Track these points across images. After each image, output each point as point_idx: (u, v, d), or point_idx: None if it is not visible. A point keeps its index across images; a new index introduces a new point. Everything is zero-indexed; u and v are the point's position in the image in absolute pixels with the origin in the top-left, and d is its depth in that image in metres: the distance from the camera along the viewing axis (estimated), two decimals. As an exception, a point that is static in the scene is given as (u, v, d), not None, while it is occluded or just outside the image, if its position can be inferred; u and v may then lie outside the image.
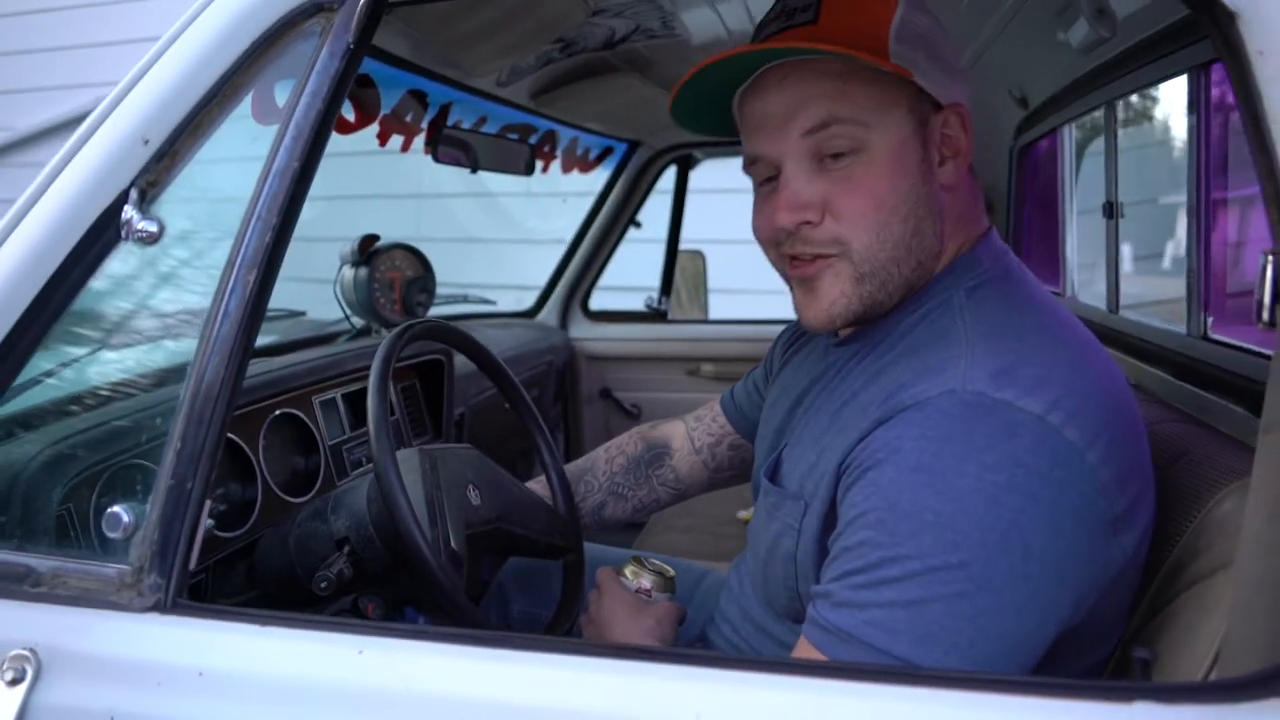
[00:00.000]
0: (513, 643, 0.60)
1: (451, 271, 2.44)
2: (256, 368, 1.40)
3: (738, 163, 0.87)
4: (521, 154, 1.80)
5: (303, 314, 1.78)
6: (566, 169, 2.13)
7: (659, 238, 2.61)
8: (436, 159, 1.53)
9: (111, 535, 0.68)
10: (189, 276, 0.74)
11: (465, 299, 2.43)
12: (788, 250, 0.81)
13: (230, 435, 1.22)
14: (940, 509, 0.66)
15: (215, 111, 0.73)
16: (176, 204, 0.72)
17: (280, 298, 1.83)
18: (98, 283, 0.74)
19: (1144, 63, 1.22)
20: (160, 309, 0.77)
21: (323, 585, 0.96)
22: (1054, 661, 0.69)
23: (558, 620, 1.16)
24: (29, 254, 0.71)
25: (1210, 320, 1.12)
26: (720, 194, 3.06)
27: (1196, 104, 1.11)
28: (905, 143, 0.77)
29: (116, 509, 0.68)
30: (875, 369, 0.80)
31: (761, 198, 0.83)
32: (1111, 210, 1.45)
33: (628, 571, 1.04)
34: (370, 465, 1.07)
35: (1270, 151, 0.51)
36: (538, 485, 1.28)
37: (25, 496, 0.78)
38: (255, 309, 0.68)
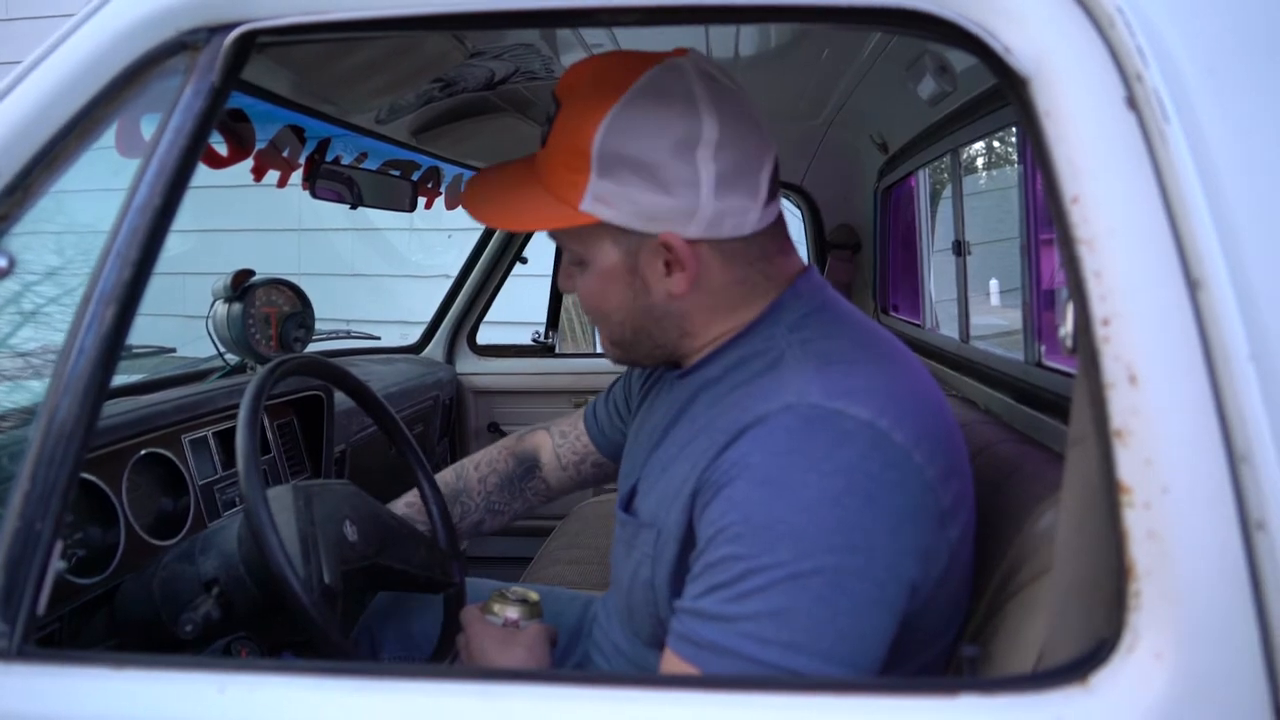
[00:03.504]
0: (379, 673, 0.60)
1: (335, 307, 2.41)
2: (122, 405, 1.35)
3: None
4: (404, 190, 1.80)
5: (172, 350, 1.73)
6: (450, 206, 2.14)
7: (545, 272, 2.64)
8: (315, 195, 1.52)
9: (-49, 581, 0.65)
10: (43, 312, 0.72)
11: (349, 334, 2.39)
12: None
13: (90, 476, 1.17)
14: (791, 519, 0.71)
15: (73, 145, 0.71)
16: (30, 238, 0.71)
17: (151, 334, 1.78)
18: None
19: (982, 114, 1.34)
20: (11, 345, 0.75)
21: (188, 628, 0.93)
22: (892, 659, 0.75)
23: (437, 658, 1.15)
24: None
25: (1043, 348, 1.22)
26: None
27: (1023, 153, 1.22)
28: (613, 268, 0.86)
29: (-42, 554, 0.65)
30: (716, 399, 0.86)
31: None
32: (959, 249, 1.57)
33: (493, 607, 1.05)
34: (243, 504, 1.05)
35: (1059, 200, 0.58)
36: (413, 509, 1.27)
37: None
38: (112, 345, 0.67)
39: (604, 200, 0.81)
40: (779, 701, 0.57)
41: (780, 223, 0.90)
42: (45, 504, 0.65)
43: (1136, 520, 0.49)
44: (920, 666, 0.81)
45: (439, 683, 0.60)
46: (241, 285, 1.54)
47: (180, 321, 1.74)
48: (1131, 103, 0.57)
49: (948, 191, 1.91)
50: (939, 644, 0.82)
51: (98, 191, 0.71)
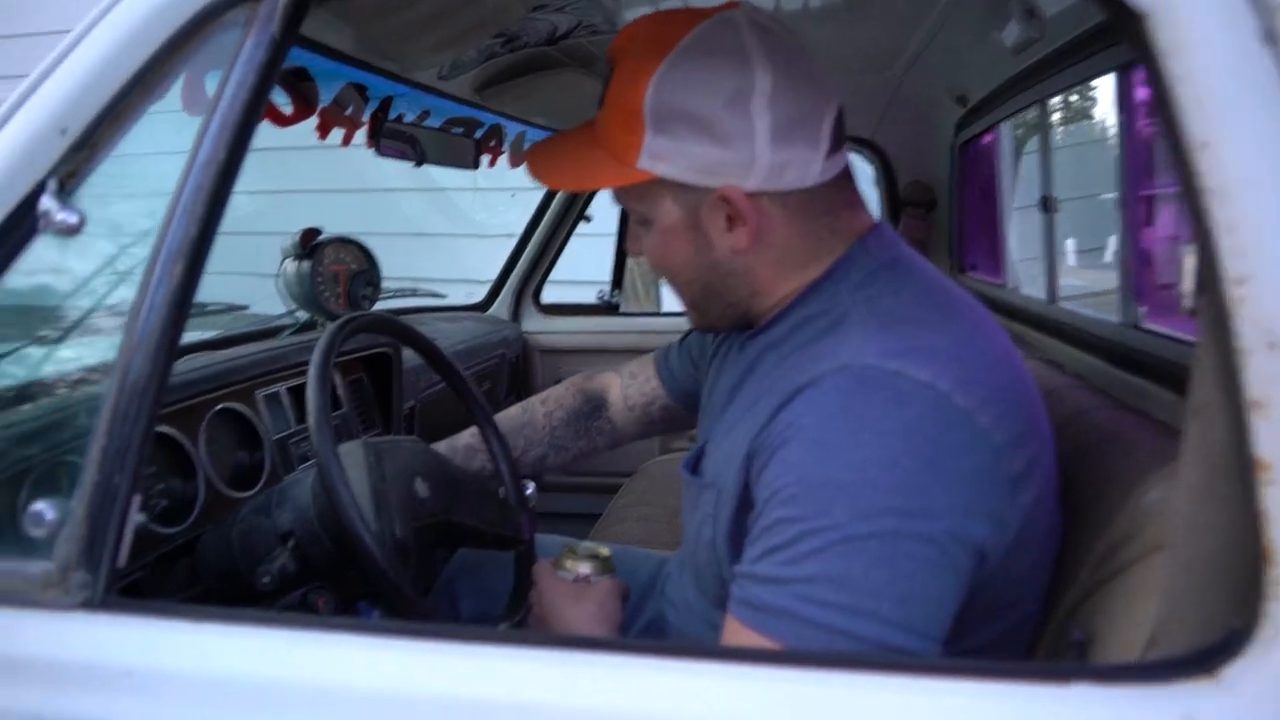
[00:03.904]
0: (454, 635, 0.59)
1: (401, 266, 2.42)
2: (197, 362, 1.37)
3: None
4: (467, 148, 1.78)
5: (245, 308, 1.75)
6: (514, 164, 2.11)
7: (609, 231, 2.61)
8: (379, 152, 1.51)
9: (35, 533, 0.66)
10: (114, 269, 0.72)
11: (414, 293, 2.40)
12: None
13: (169, 430, 1.20)
14: (846, 479, 0.69)
15: (136, 101, 0.71)
16: (99, 195, 0.71)
17: (224, 292, 1.81)
18: (17, 277, 0.72)
19: (1073, 62, 1.25)
20: (85, 303, 0.75)
21: (265, 580, 0.95)
22: (965, 623, 0.72)
23: (509, 614, 1.15)
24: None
25: (1143, 310, 1.15)
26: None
27: (1124, 102, 1.14)
28: (675, 226, 0.84)
29: (39, 506, 0.66)
30: (779, 361, 0.84)
31: None
32: (1047, 205, 1.49)
33: (565, 562, 1.05)
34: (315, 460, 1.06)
35: (1184, 147, 0.53)
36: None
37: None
38: (181, 302, 0.67)
39: (660, 157, 0.80)
40: (873, 681, 0.54)
41: (847, 175, 0.86)
42: (122, 459, 0.65)
43: (1277, 500, 0.45)
44: (995, 635, 0.78)
45: (512, 648, 0.58)
46: (310, 243, 1.55)
47: (253, 280, 1.76)
48: (1270, 37, 0.51)
49: (1030, 146, 1.81)
50: (1016, 613, 0.79)
51: (168, 154, 0.71)
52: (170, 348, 0.67)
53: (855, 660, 0.57)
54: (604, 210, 2.59)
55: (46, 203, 0.70)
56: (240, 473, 1.34)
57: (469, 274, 2.93)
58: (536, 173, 0.90)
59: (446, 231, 4.28)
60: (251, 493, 1.30)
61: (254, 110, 0.69)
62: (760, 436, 0.76)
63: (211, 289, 1.81)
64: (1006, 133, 1.85)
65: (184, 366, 1.33)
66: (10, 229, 0.70)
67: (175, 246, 0.67)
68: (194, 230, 0.67)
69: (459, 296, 2.59)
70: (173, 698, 0.60)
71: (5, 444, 0.84)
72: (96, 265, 0.73)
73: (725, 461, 0.83)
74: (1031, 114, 1.61)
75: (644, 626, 1.10)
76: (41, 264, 0.73)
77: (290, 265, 1.56)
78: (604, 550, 1.07)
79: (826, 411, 0.72)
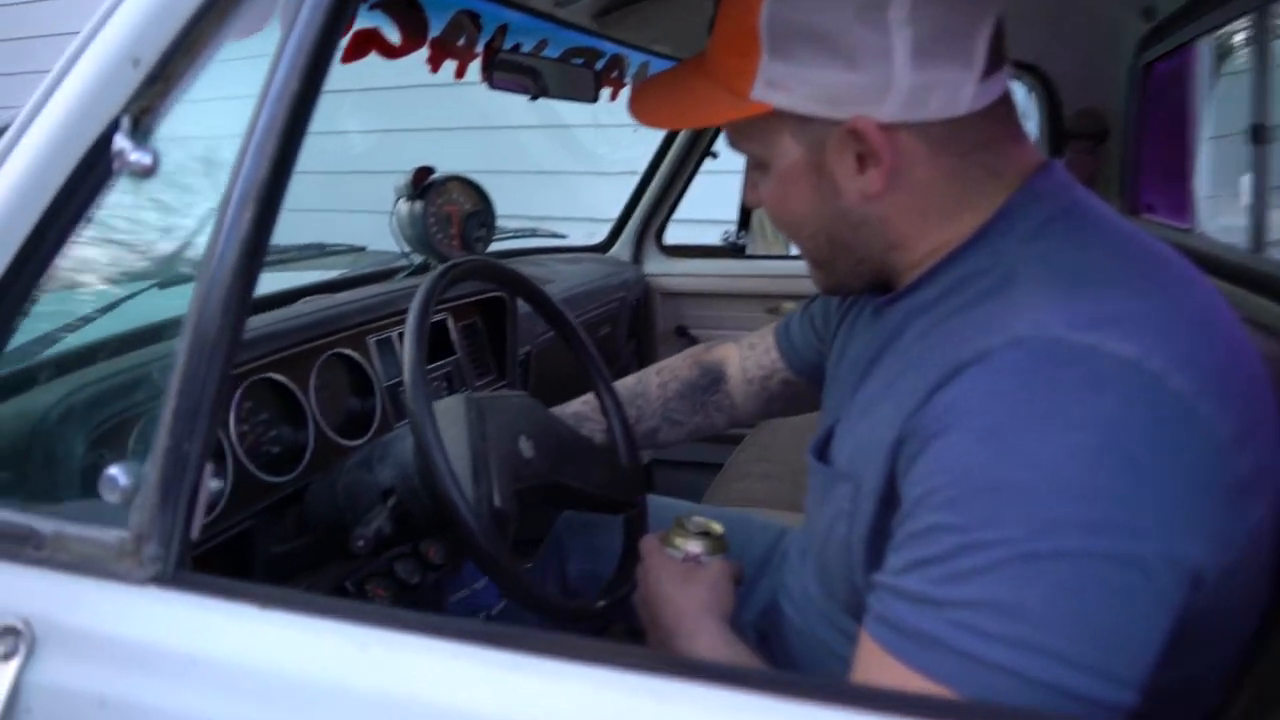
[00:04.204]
0: (539, 648, 0.52)
1: (520, 205, 2.36)
2: (309, 305, 1.35)
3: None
4: (586, 80, 1.67)
5: (363, 249, 1.73)
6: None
7: (736, 168, 2.46)
8: (492, 85, 1.43)
9: (109, 498, 0.62)
10: (191, 213, 0.67)
11: (534, 233, 2.35)
12: None
13: (280, 377, 1.18)
14: (1022, 481, 0.55)
15: (210, 28, 0.64)
16: (174, 132, 0.65)
17: (343, 232, 1.79)
18: (95, 223, 0.68)
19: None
20: (164, 250, 0.70)
21: (359, 543, 0.90)
22: (1175, 655, 0.57)
23: (617, 580, 1.09)
24: (15, 192, 0.65)
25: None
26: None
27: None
28: (795, 168, 0.72)
29: (114, 470, 0.62)
30: (928, 329, 0.70)
31: None
32: (1260, 135, 1.25)
33: (674, 539, 0.96)
34: (434, 404, 1.01)
35: None
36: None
37: (28, 452, 0.74)
38: (253, 250, 0.60)
39: (778, 84, 0.67)
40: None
41: (1007, 102, 0.70)
42: (192, 422, 0.60)
43: None
44: (1183, 677, 0.63)
45: (607, 670, 0.50)
46: (422, 183, 1.49)
47: (374, 218, 1.73)
48: None
49: (1232, 65, 1.55)
50: (1219, 651, 0.64)
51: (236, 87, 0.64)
52: (243, 301, 0.61)
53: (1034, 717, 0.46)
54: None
55: (120, 141, 0.64)
56: (351, 420, 1.31)
57: (591, 213, 2.85)
58: (637, 111, 0.78)
59: (568, 169, 4.20)
60: (361, 441, 1.27)
61: (331, 32, 0.61)
62: (911, 421, 0.63)
63: (334, 229, 1.80)
64: (1204, 50, 1.59)
65: (295, 311, 1.30)
66: (87, 170, 0.66)
67: (246, 189, 0.60)
68: (266, 170, 0.60)
69: (580, 236, 2.52)
70: (231, 692, 0.55)
71: (90, 401, 0.81)
72: (175, 210, 0.67)
73: (864, 448, 0.70)
74: (1239, 26, 1.36)
75: (758, 614, 1.00)
76: (119, 208, 0.68)
77: (403, 206, 1.51)
78: (717, 527, 0.98)
79: (1000, 395, 0.58)
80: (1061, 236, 0.66)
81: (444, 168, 1.61)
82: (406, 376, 0.88)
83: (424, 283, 0.97)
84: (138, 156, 0.64)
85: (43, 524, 0.66)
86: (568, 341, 1.22)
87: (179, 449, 0.60)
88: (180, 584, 0.60)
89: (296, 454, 1.19)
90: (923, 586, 0.58)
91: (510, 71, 1.46)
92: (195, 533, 0.62)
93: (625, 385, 1.25)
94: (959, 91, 0.66)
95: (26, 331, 0.72)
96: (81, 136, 0.65)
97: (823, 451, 0.79)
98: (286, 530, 1.15)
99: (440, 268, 1.01)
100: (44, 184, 0.65)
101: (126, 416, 0.82)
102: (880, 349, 0.76)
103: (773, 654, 0.93)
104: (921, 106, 0.66)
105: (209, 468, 0.62)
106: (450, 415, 0.97)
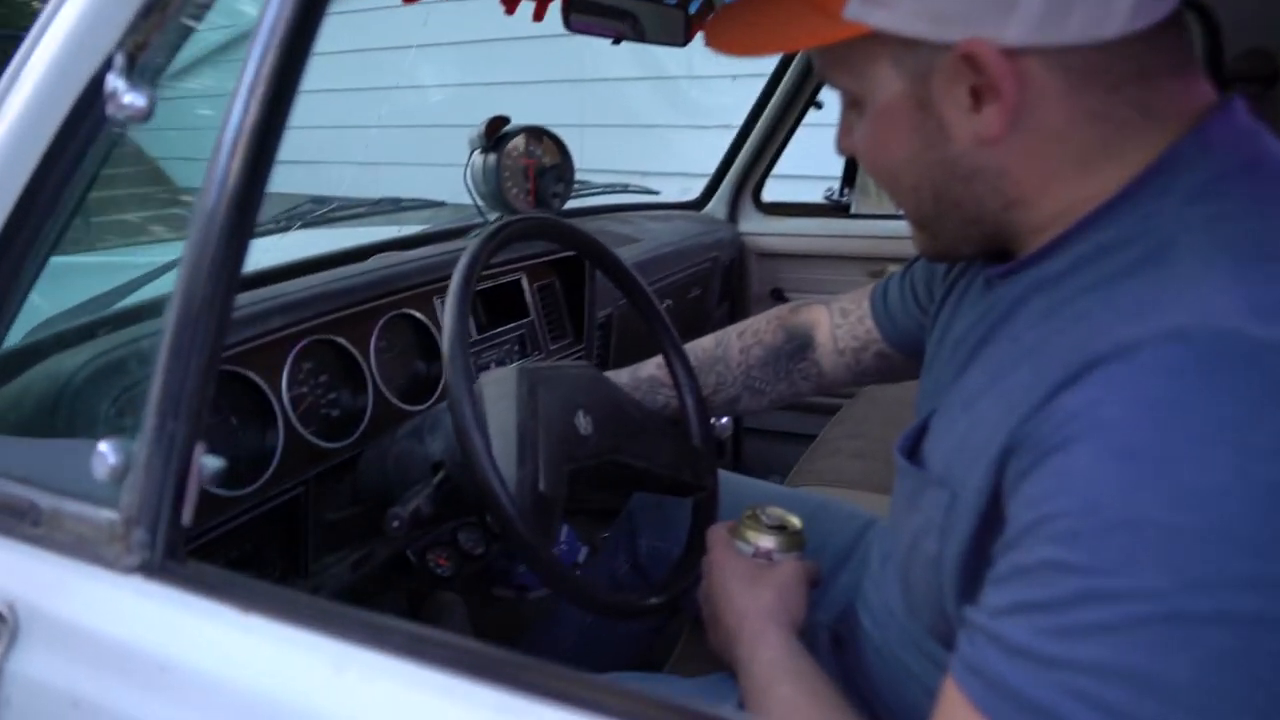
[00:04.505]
0: (533, 688, 0.43)
1: (610, 159, 2.27)
2: (374, 263, 1.30)
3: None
4: (676, 21, 1.54)
5: (441, 204, 1.67)
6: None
7: (843, 120, 2.28)
8: (570, 28, 1.32)
9: (98, 475, 0.57)
10: (187, 164, 0.60)
11: (626, 189, 2.25)
12: None
13: (336, 338, 1.13)
14: (1173, 522, 0.42)
15: (206, -51, 0.56)
16: (169, 72, 0.58)
17: (424, 187, 1.74)
18: (97, 175, 0.62)
19: None
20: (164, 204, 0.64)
21: (394, 524, 0.84)
22: None
23: (678, 572, 1.00)
24: (8, 143, 0.59)
25: None
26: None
27: None
28: (895, 104, 0.58)
29: (104, 446, 0.57)
30: (1053, 309, 0.56)
31: None
32: None
33: (745, 532, 0.86)
34: (483, 374, 0.94)
35: None
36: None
37: (52, 415, 0.70)
38: (242, 207, 0.53)
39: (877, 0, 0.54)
40: None
41: (1174, 26, 0.55)
42: (176, 401, 0.54)
43: None
44: None
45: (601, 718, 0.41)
46: (496, 134, 1.41)
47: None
48: None
49: None
50: None
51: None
52: (233, 265, 0.54)
53: None
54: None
55: (114, 82, 0.58)
56: (415, 385, 1.26)
57: (685, 167, 2.73)
58: (713, 39, 0.65)
59: (661, 122, 4.05)
60: (424, 406, 1.22)
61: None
62: (1025, 427, 0.50)
63: (412, 184, 1.75)
64: None
65: (361, 268, 1.25)
66: (81, 115, 0.60)
67: (234, 139, 0.53)
68: (257, 115, 0.53)
69: (674, 192, 2.40)
70: (200, 705, 0.48)
71: (97, 373, 0.77)
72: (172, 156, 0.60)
73: (963, 451, 0.58)
74: None
75: (835, 616, 0.90)
76: (121, 154, 0.62)
77: (477, 158, 1.44)
78: (795, 521, 0.87)
79: (1148, 404, 0.45)
80: (1237, 199, 0.51)
81: (534, 122, 1.52)
82: (445, 346, 0.81)
83: (471, 243, 0.89)
84: (131, 99, 0.58)
85: (43, 499, 0.61)
86: (636, 306, 1.13)
87: (162, 428, 0.54)
88: (166, 576, 0.55)
89: (356, 419, 1.14)
90: (1029, 638, 0.46)
91: (590, 13, 1.35)
92: (187, 518, 0.56)
93: (703, 347, 1.14)
94: (1110, 7, 0.51)
95: (80, 290, 0.68)
96: (75, 77, 0.59)
97: (914, 449, 0.67)
98: (340, 498, 1.11)
99: (491, 226, 0.93)
100: (36, 134, 0.60)
101: (117, 392, 0.77)
102: (989, 330, 0.63)
103: (847, 667, 0.82)
104: (1058, 26, 0.52)
105: (199, 448, 0.56)
106: (500, 388, 0.90)
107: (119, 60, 0.58)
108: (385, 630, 0.48)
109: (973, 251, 0.66)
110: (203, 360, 0.54)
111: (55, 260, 0.66)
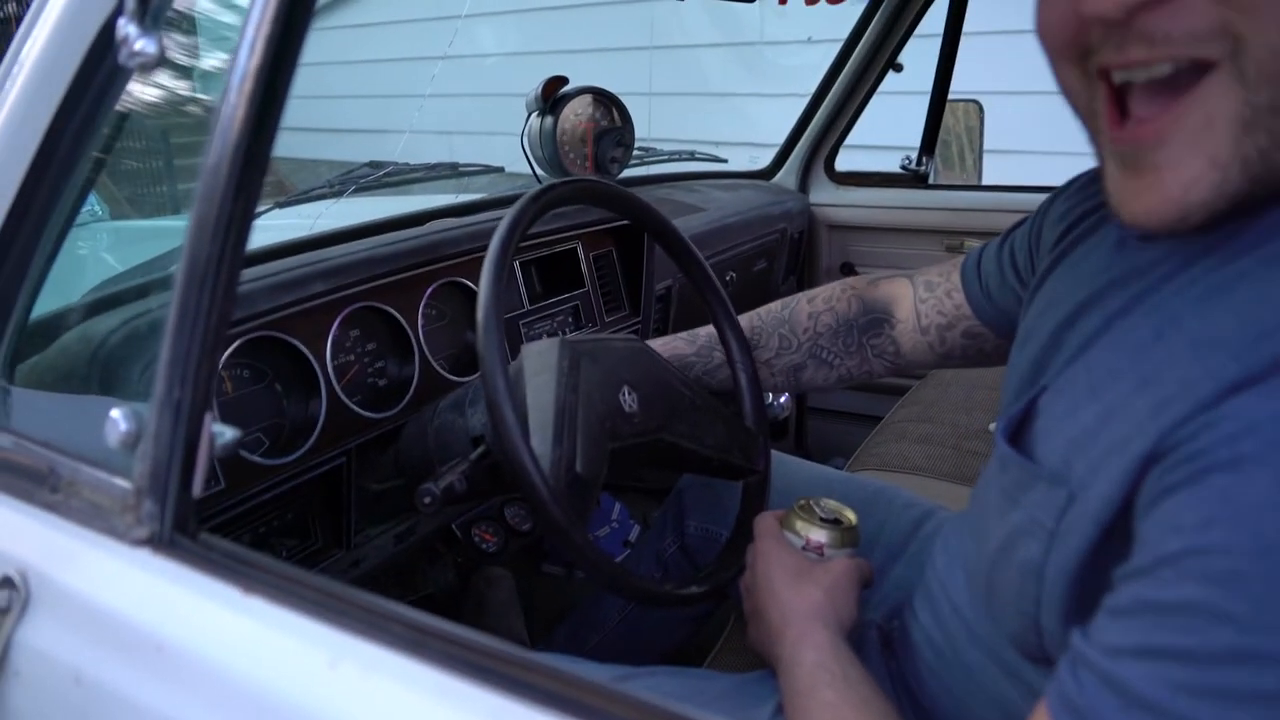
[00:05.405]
0: (530, 689, 0.39)
1: (678, 127, 2.20)
2: (427, 229, 1.27)
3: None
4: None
5: (500, 169, 1.63)
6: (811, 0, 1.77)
7: (923, 87, 2.16)
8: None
9: (110, 442, 0.55)
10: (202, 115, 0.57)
11: (693, 156, 2.19)
12: (1107, 60, 0.47)
13: (384, 305, 1.10)
14: None
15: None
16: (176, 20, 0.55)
17: (494, 156, 1.70)
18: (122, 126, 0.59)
19: None
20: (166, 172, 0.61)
21: (426, 500, 0.81)
22: None
23: (722, 560, 0.95)
24: (23, 96, 0.57)
25: None
26: (1004, 35, 2.50)
27: None
28: None
29: (116, 412, 0.55)
30: (1225, 283, 0.46)
31: None
32: None
33: (795, 523, 0.80)
34: (525, 346, 0.90)
35: None
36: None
37: (64, 384, 0.69)
38: (248, 158, 0.49)
39: None
40: None
41: None
42: (182, 367, 0.51)
43: None
44: None
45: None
46: (552, 95, 1.36)
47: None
48: None
49: None
50: None
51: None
52: (240, 223, 0.51)
53: None
54: (919, 59, 2.14)
55: (125, 26, 0.55)
56: (465, 355, 1.23)
57: (757, 136, 2.64)
58: None
59: (732, 90, 3.94)
60: (473, 377, 1.19)
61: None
62: (1180, 431, 0.42)
63: (475, 151, 1.71)
64: None
65: (413, 233, 1.22)
66: (95, 63, 0.57)
67: (240, 85, 0.49)
68: (266, 58, 0.49)
69: (742, 162, 2.32)
70: (195, 689, 0.46)
71: (121, 337, 0.75)
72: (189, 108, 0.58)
73: (1090, 447, 0.49)
74: None
75: (885, 615, 0.83)
76: (143, 103, 0.60)
77: (534, 121, 1.39)
78: (850, 515, 0.81)
79: None
80: None
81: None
82: (479, 316, 0.77)
83: (513, 207, 0.85)
84: (143, 44, 0.54)
85: (63, 464, 0.60)
86: (689, 276, 1.07)
87: (170, 394, 0.51)
88: (173, 550, 0.52)
89: (403, 389, 1.12)
90: (1158, 691, 0.39)
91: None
92: (198, 489, 0.54)
93: (769, 311, 1.06)
94: None
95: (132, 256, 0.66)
96: (86, 24, 0.56)
97: (1017, 434, 0.58)
98: (384, 470, 1.09)
99: (534, 190, 0.88)
100: (51, 84, 0.57)
101: (139, 357, 0.76)
102: (1132, 300, 0.53)
103: (896, 669, 0.76)
104: None
105: (209, 416, 0.53)
106: (540, 360, 0.85)
107: (130, 3, 0.55)
108: (387, 619, 0.44)
109: (1225, 204, 0.46)
110: (209, 323, 0.51)
111: (138, 224, 0.64)
